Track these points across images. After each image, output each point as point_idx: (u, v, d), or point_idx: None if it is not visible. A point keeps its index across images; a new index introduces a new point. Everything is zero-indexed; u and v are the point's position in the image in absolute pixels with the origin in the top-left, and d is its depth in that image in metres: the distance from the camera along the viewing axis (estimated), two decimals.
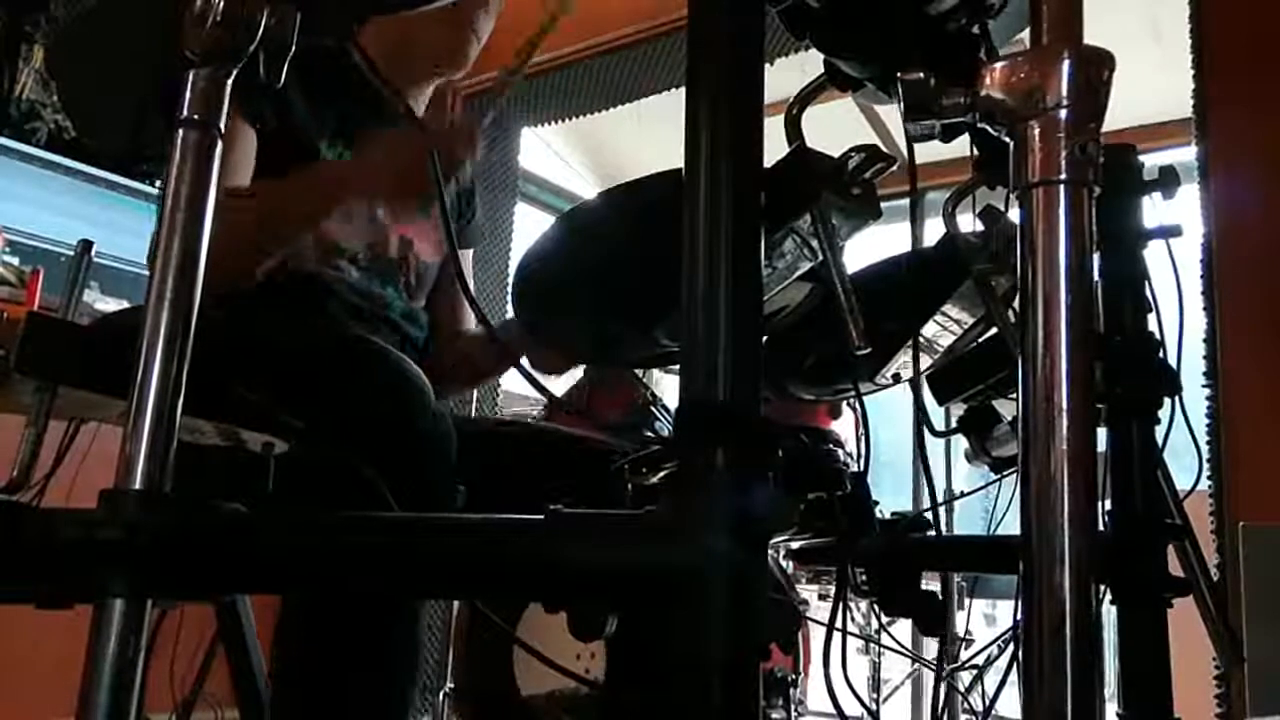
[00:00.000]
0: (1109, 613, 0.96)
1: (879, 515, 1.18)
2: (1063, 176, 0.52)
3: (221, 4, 0.65)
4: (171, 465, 0.61)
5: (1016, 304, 0.56)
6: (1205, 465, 1.85)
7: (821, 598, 2.84)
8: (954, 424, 1.29)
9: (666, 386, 2.77)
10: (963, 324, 1.20)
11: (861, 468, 1.22)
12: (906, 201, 0.97)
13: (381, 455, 0.95)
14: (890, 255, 1.16)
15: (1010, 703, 1.22)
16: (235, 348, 0.98)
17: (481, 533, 0.63)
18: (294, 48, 0.69)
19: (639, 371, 2.47)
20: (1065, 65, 0.52)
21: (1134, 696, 0.97)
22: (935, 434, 1.22)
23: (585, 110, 3.43)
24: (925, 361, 1.25)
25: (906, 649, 2.55)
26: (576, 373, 2.61)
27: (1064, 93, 0.52)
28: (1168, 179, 1.05)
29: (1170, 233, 1.06)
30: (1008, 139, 0.54)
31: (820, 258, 0.83)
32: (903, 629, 2.72)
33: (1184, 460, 1.13)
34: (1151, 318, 1.04)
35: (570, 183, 4.37)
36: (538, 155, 4.09)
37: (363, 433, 0.99)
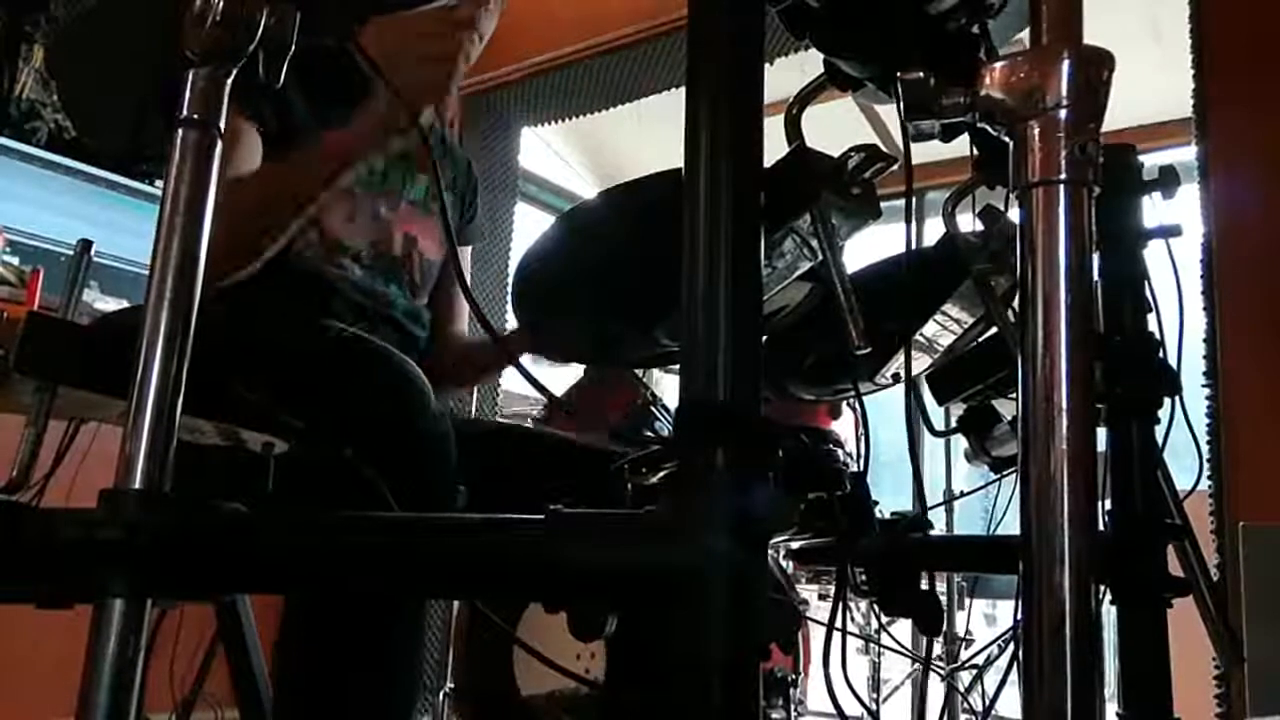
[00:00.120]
0: (1109, 613, 0.96)
1: (879, 515, 1.18)
2: (1062, 176, 0.52)
3: (221, 4, 0.65)
4: (171, 465, 0.61)
5: (1016, 304, 0.56)
6: (1205, 465, 1.84)
7: (821, 598, 2.84)
8: (954, 424, 1.29)
9: (666, 386, 2.77)
10: (963, 324, 1.20)
11: (861, 468, 1.22)
12: (906, 201, 0.96)
13: (381, 455, 0.95)
14: (890, 255, 1.16)
15: (1010, 703, 1.22)
16: (235, 347, 0.98)
17: (481, 533, 0.63)
18: (294, 47, 0.69)
19: (639, 371, 2.47)
20: (1065, 65, 0.52)
21: (1134, 696, 0.97)
22: (935, 434, 1.22)
23: (585, 110, 3.43)
24: (925, 361, 1.25)
25: (906, 649, 2.55)
26: (577, 372, 2.61)
27: (1064, 93, 0.52)
28: (1168, 179, 1.05)
29: (1170, 233, 1.06)
30: (1007, 139, 0.54)
31: (820, 258, 0.83)
32: (903, 629, 2.72)
33: (1184, 460, 1.13)
34: (1151, 318, 1.04)
35: (570, 183, 4.37)
36: (538, 155, 4.09)
37: (363, 433, 0.99)
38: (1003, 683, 1.15)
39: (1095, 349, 0.70)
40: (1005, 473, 1.22)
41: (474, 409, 3.01)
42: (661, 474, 0.77)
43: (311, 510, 0.96)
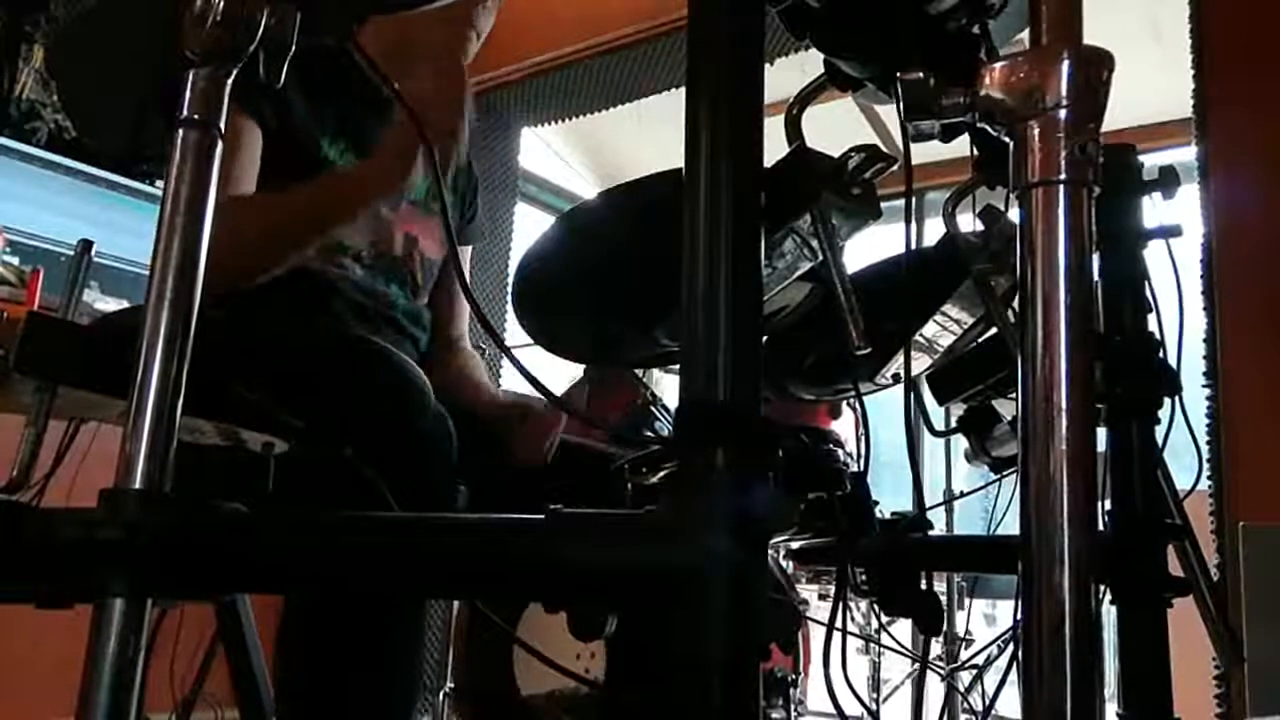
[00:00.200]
0: (1109, 613, 0.96)
1: (879, 515, 1.18)
2: (1062, 176, 0.52)
3: (221, 4, 0.65)
4: (171, 465, 0.61)
5: (1016, 304, 0.56)
6: (1205, 465, 1.85)
7: (821, 598, 2.84)
8: (954, 424, 1.29)
9: (666, 386, 2.77)
10: (963, 324, 1.20)
11: (861, 468, 1.22)
12: (906, 201, 0.96)
13: (381, 455, 0.95)
14: (890, 255, 1.16)
15: (1010, 703, 1.22)
16: (235, 347, 0.98)
17: (481, 533, 0.63)
18: (294, 47, 0.69)
19: (639, 371, 2.47)
20: (1065, 65, 0.52)
21: (1134, 696, 0.97)
22: (935, 434, 1.22)
23: (585, 110, 3.43)
24: (925, 361, 1.25)
25: (906, 649, 2.55)
26: (576, 372, 2.61)
27: (1064, 93, 0.52)
28: (1168, 179, 1.05)
29: (1170, 233, 1.06)
30: (1007, 139, 0.54)
31: (820, 258, 0.83)
32: (903, 629, 2.72)
33: (1184, 460, 1.13)
34: (1151, 318, 1.04)
35: (570, 183, 4.37)
36: (538, 155, 4.09)
37: (363, 433, 0.99)
38: (1002, 683, 1.15)
39: (1095, 349, 0.70)
40: (1005, 473, 1.22)
41: None
42: (661, 474, 0.78)
43: (311, 510, 0.96)
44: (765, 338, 0.89)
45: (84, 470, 0.94)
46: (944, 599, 2.68)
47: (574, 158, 4.37)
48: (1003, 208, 1.06)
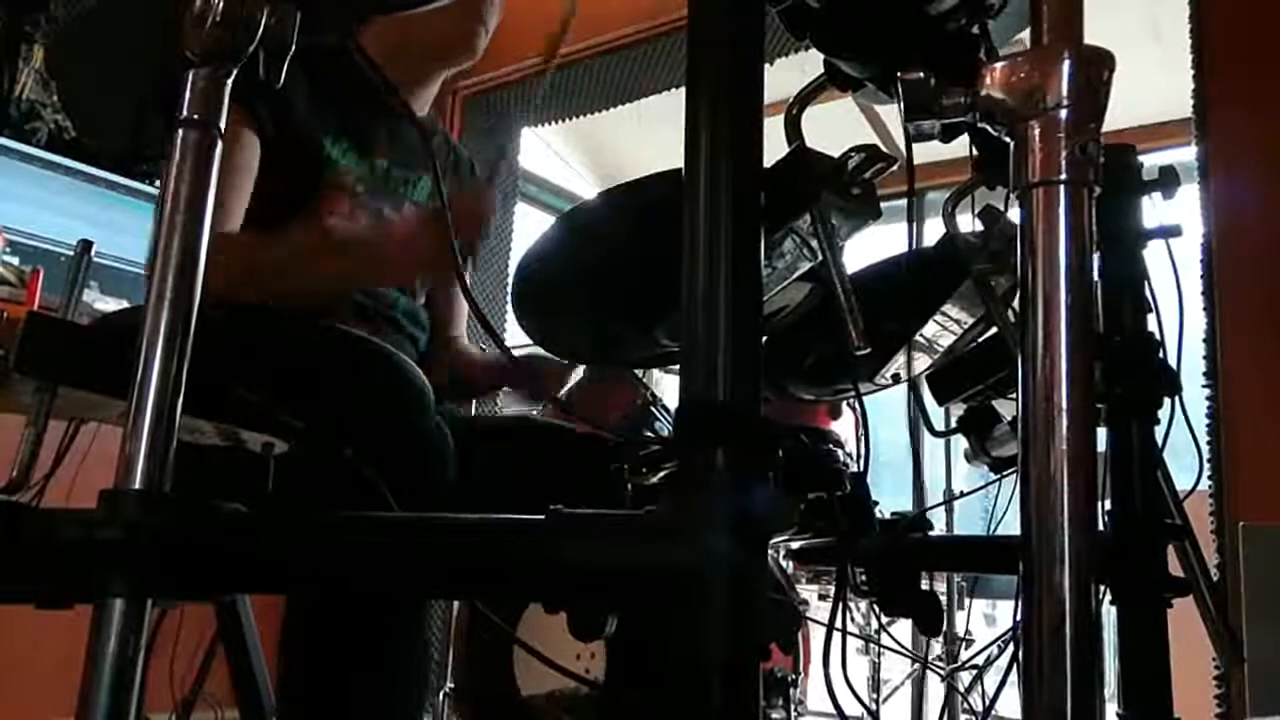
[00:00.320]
0: (1109, 613, 0.96)
1: (879, 515, 1.18)
2: (1063, 177, 0.52)
3: (221, 4, 0.65)
4: (171, 465, 0.61)
5: (1016, 304, 0.56)
6: (1205, 465, 1.84)
7: (821, 598, 2.84)
8: (954, 424, 1.29)
9: (666, 386, 2.77)
10: (963, 324, 1.20)
11: (861, 468, 1.22)
12: (906, 201, 0.96)
13: (381, 455, 0.95)
14: (890, 255, 1.16)
15: (1010, 703, 1.22)
16: (235, 347, 0.98)
17: (481, 533, 0.63)
18: (294, 47, 0.69)
19: (639, 371, 2.47)
20: (1065, 65, 0.52)
21: (1134, 696, 0.97)
22: (935, 434, 1.22)
23: (585, 110, 3.43)
24: (925, 361, 1.25)
25: (906, 649, 2.55)
26: (576, 372, 2.60)
27: (1064, 93, 0.52)
28: (1168, 179, 1.05)
29: (1170, 233, 1.06)
30: (1008, 139, 0.54)
31: (820, 258, 0.83)
32: (903, 629, 2.72)
33: (1184, 460, 1.13)
34: (1151, 318, 1.04)
35: (570, 183, 4.37)
36: (538, 155, 4.08)
37: (363, 433, 0.99)
38: (1003, 683, 1.15)
39: (1095, 349, 0.70)
40: (1005, 473, 1.22)
41: (474, 408, 3.00)
42: (661, 474, 0.77)
43: (311, 510, 0.96)
44: (765, 338, 0.89)
45: (84, 470, 0.94)
46: (944, 599, 2.68)
47: (574, 158, 4.37)
48: (1003, 208, 1.06)
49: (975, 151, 0.86)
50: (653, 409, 2.38)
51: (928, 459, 3.14)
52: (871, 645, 2.70)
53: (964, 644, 2.74)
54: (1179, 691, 0.97)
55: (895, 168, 0.84)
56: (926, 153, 0.83)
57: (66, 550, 0.60)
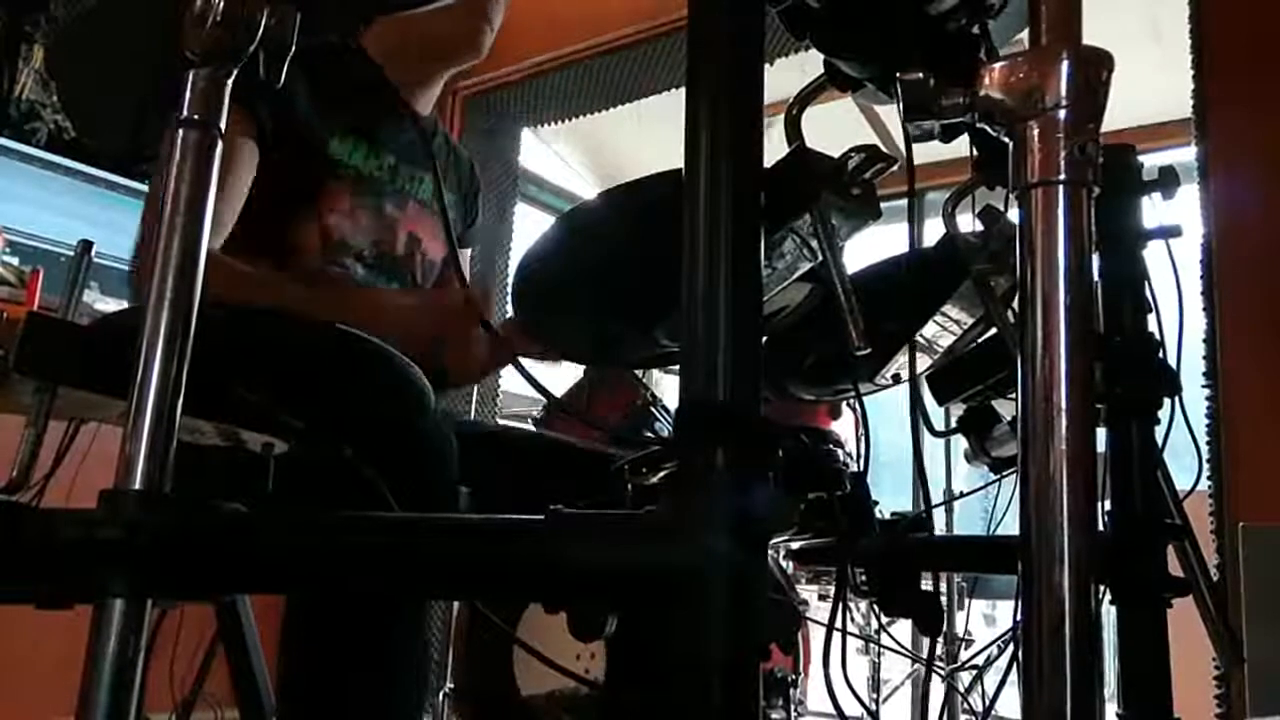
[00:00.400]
0: (1109, 613, 0.96)
1: (879, 515, 1.18)
2: (1062, 177, 0.52)
3: (221, 4, 0.65)
4: (171, 465, 0.61)
5: (1016, 304, 0.56)
6: (1205, 465, 1.84)
7: (821, 598, 2.84)
8: (954, 424, 1.29)
9: (666, 386, 2.77)
10: (962, 324, 1.20)
11: (861, 468, 1.22)
12: (906, 201, 0.96)
13: (381, 455, 0.95)
14: (890, 255, 1.16)
15: (1010, 703, 1.22)
16: (235, 347, 0.98)
17: (482, 533, 0.63)
18: (294, 48, 0.69)
19: (639, 371, 2.47)
20: (1064, 65, 0.52)
21: (1134, 696, 0.97)
22: (935, 434, 1.22)
23: (585, 110, 3.43)
24: (925, 361, 1.25)
25: (906, 649, 2.55)
26: (576, 372, 2.61)
27: (1063, 93, 0.52)
28: (1168, 179, 1.05)
29: (1170, 233, 1.06)
30: (1007, 139, 0.54)
31: (820, 258, 0.83)
32: (903, 629, 2.72)
33: (1184, 460, 1.13)
34: (1151, 318, 1.04)
35: (570, 183, 4.36)
36: (538, 155, 4.08)
37: (363, 433, 0.99)
38: (1003, 683, 1.15)
39: (1095, 349, 0.70)
40: (1005, 473, 1.22)
41: (474, 409, 3.01)
42: (661, 474, 0.77)
43: (311, 510, 0.96)
44: (765, 338, 0.89)
45: (84, 470, 0.94)
46: (944, 599, 2.68)
47: (574, 158, 4.37)
48: (1002, 208, 1.06)
49: (975, 151, 0.86)
50: (653, 409, 2.38)
51: (927, 459, 3.14)
52: (871, 645, 2.70)
53: (964, 644, 2.74)
54: (1179, 691, 0.97)
55: (895, 168, 0.84)
56: (926, 153, 0.83)
57: (66, 550, 0.60)
